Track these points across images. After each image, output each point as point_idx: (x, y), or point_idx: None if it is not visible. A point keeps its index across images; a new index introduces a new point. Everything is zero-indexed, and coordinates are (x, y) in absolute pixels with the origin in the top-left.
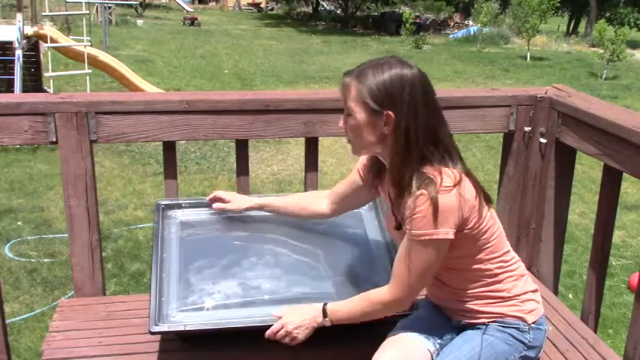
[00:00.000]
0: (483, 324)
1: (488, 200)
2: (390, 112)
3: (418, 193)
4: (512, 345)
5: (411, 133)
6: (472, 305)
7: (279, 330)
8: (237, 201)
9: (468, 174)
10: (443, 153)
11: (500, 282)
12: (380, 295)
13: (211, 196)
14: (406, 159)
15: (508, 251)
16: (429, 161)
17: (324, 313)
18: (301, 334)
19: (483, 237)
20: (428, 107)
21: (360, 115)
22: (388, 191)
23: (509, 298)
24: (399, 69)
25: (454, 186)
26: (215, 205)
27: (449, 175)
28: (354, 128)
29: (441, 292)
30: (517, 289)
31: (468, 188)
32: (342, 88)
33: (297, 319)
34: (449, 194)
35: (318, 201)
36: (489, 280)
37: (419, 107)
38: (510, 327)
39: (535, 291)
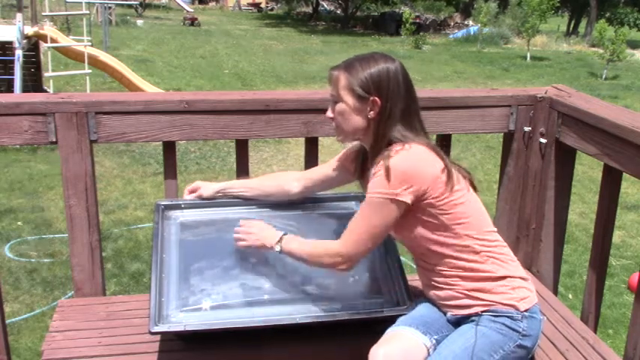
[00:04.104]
0: (476, 314)
1: (471, 183)
2: (376, 98)
3: (380, 162)
4: (507, 334)
5: (393, 118)
6: (462, 291)
7: (244, 232)
8: (206, 187)
9: (437, 152)
10: (415, 134)
11: (482, 262)
12: (330, 244)
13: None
14: (384, 140)
15: (492, 233)
16: (400, 141)
17: (280, 240)
18: (250, 241)
19: (455, 210)
20: (407, 95)
21: (349, 101)
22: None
23: (497, 282)
24: (383, 63)
25: (411, 152)
26: (191, 195)
27: (410, 145)
28: (343, 113)
29: (429, 277)
30: (502, 272)
31: (432, 159)
32: (331, 80)
33: (259, 232)
34: (403, 158)
35: (289, 183)
36: (470, 257)
37: (400, 95)
38: (503, 316)
39: (526, 279)
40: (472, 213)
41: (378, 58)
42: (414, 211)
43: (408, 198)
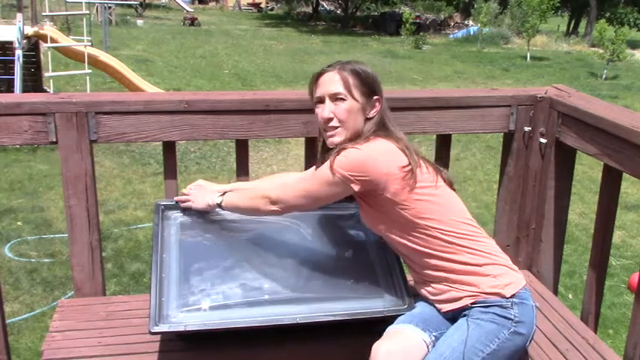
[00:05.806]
0: (466, 307)
1: (447, 182)
2: (378, 97)
3: (345, 146)
4: (499, 323)
5: (385, 115)
6: (447, 284)
7: (187, 201)
8: (199, 200)
9: (405, 150)
10: (390, 131)
11: (458, 253)
12: (266, 191)
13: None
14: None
15: (467, 225)
16: (380, 136)
17: (222, 196)
18: (196, 202)
19: (418, 206)
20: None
21: (360, 99)
22: None
23: (478, 272)
24: (368, 66)
25: (374, 145)
26: (182, 205)
27: (376, 139)
28: (348, 112)
29: (417, 274)
30: (482, 261)
31: (393, 155)
32: (331, 79)
33: (203, 194)
34: (364, 149)
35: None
36: (446, 250)
37: (384, 94)
38: (492, 305)
39: (509, 266)
40: (440, 208)
41: (361, 62)
42: (377, 207)
43: (355, 185)
